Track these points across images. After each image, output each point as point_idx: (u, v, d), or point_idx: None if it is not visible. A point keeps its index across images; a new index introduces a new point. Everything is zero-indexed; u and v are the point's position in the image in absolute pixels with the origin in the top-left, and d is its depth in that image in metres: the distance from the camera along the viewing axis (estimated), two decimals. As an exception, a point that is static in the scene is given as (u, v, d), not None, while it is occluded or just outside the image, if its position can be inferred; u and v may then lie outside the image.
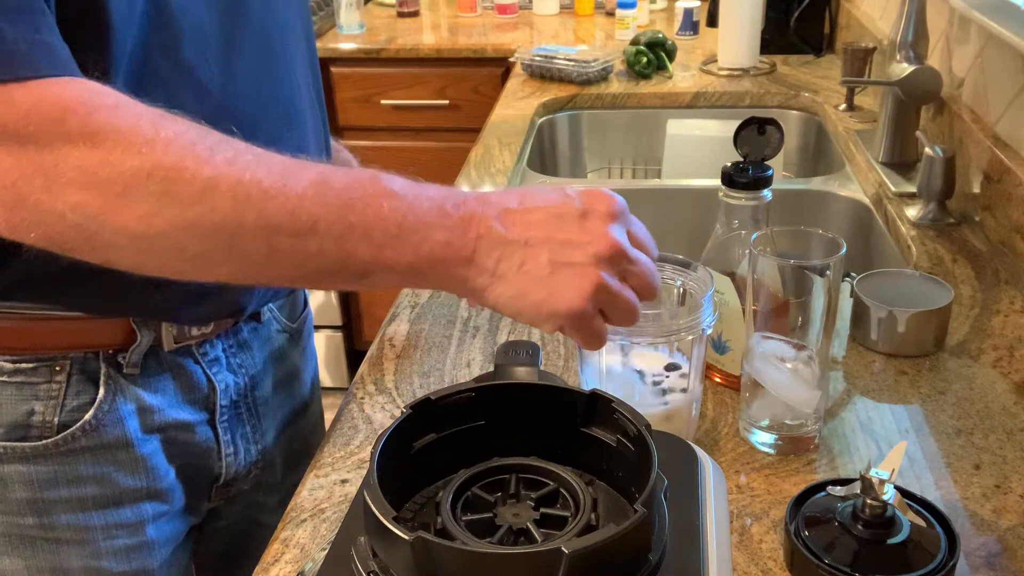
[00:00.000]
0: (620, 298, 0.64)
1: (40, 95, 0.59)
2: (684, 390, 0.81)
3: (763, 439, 0.85)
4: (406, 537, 0.44)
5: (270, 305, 0.95)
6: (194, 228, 0.60)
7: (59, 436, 0.80)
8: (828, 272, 0.78)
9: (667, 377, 0.82)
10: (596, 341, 0.65)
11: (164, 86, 0.73)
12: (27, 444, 0.80)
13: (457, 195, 0.65)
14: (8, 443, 0.79)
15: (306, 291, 1.05)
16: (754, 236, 0.82)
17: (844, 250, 0.78)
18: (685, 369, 0.82)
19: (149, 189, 0.59)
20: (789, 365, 0.82)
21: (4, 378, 0.79)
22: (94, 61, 0.66)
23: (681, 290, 0.84)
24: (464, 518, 0.50)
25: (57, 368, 0.79)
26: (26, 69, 0.59)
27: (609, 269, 0.63)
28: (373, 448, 0.50)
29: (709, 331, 0.80)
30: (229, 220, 0.60)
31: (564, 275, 0.62)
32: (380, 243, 0.62)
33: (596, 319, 0.64)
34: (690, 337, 0.79)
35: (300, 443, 1.04)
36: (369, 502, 0.46)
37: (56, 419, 0.80)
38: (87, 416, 0.80)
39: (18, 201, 0.59)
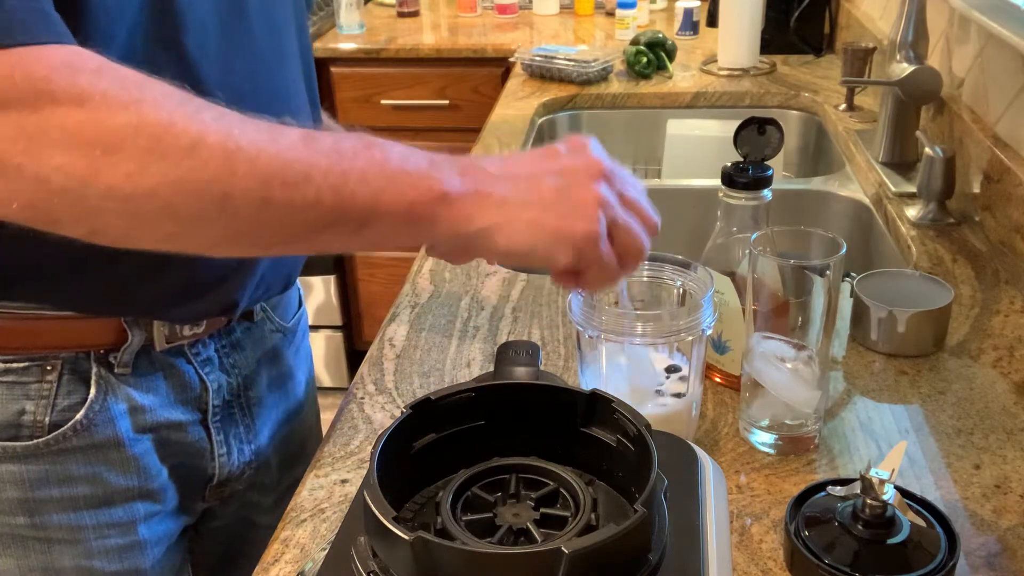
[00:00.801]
0: (624, 217, 0.64)
1: (25, 58, 0.57)
2: (683, 392, 0.81)
3: (763, 439, 0.85)
4: (406, 537, 0.44)
5: (263, 305, 0.95)
6: (184, 184, 0.58)
7: (50, 436, 0.80)
8: (828, 272, 0.78)
9: (667, 379, 0.82)
10: (608, 271, 0.65)
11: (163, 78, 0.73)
12: (18, 444, 0.80)
13: (444, 155, 0.65)
14: None
15: (300, 291, 1.05)
16: (754, 236, 0.82)
17: (844, 250, 0.78)
18: (685, 371, 0.82)
19: (137, 145, 0.57)
20: (789, 365, 0.82)
21: None
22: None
23: (681, 291, 0.84)
24: (464, 518, 0.50)
25: (48, 368, 0.79)
26: (24, 35, 0.58)
27: (608, 190, 0.64)
28: (373, 448, 0.50)
29: (709, 332, 0.80)
30: (220, 174, 0.58)
31: (571, 197, 0.63)
32: (378, 186, 0.61)
33: (607, 246, 0.64)
34: (690, 338, 0.79)
35: (295, 443, 1.04)
36: (369, 502, 0.46)
37: (47, 419, 0.80)
38: (78, 416, 0.80)
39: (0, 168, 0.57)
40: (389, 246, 0.66)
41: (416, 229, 0.63)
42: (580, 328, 0.80)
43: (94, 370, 0.80)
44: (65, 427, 0.80)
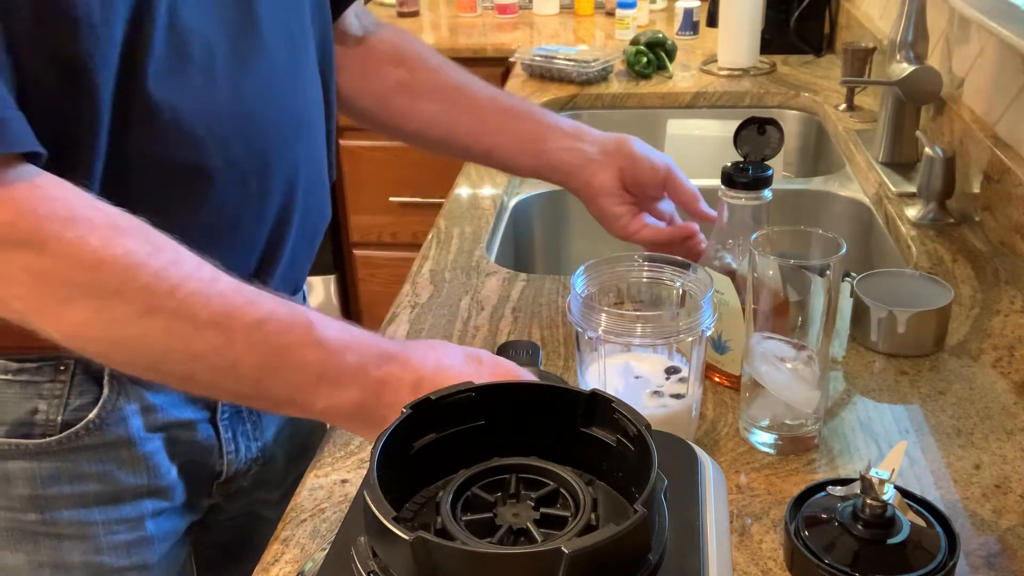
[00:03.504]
0: None
1: None
2: (683, 394, 0.81)
3: (763, 439, 0.85)
4: (406, 537, 0.44)
5: None
6: (124, 344, 0.66)
7: (62, 434, 0.80)
8: (828, 272, 0.78)
9: (667, 380, 0.82)
10: None
11: (173, 109, 0.73)
12: (30, 441, 0.80)
13: (383, 352, 0.69)
14: (11, 440, 0.80)
15: (305, 290, 1.05)
16: (754, 236, 0.82)
17: (844, 250, 0.78)
18: (685, 372, 0.82)
19: (89, 304, 0.64)
20: (789, 365, 0.82)
21: (8, 376, 0.79)
22: (77, 111, 0.68)
23: (680, 291, 0.83)
24: (464, 518, 0.50)
25: (61, 368, 0.79)
26: None
27: None
28: (373, 448, 0.50)
29: (709, 332, 0.80)
30: (157, 345, 0.66)
31: None
32: (296, 387, 0.68)
33: None
34: (690, 339, 0.79)
35: (301, 439, 1.04)
36: (369, 502, 0.46)
37: (59, 417, 0.80)
38: (90, 415, 0.80)
39: None
40: None
41: (327, 422, 0.73)
42: (579, 329, 0.80)
43: (106, 370, 0.81)
44: (77, 426, 0.80)
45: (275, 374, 0.67)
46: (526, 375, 0.74)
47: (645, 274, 0.85)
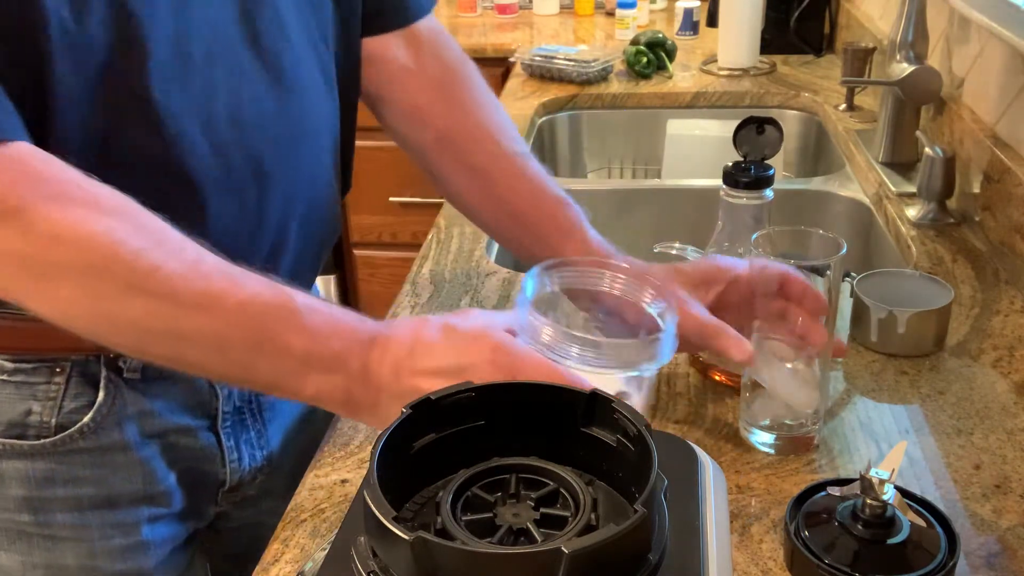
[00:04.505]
0: None
1: None
2: None
3: (763, 439, 0.85)
4: (406, 537, 0.44)
5: None
6: (108, 321, 0.66)
7: (56, 437, 0.80)
8: (828, 272, 0.78)
9: None
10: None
11: (172, 118, 0.73)
12: (24, 443, 0.80)
13: (366, 337, 0.68)
14: (5, 440, 0.80)
15: (317, 292, 1.05)
16: (754, 236, 0.81)
17: (844, 250, 0.78)
18: (636, 399, 0.75)
19: (72, 281, 0.64)
20: (789, 365, 0.82)
21: (4, 377, 0.79)
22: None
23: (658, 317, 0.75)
24: (464, 518, 0.50)
25: (58, 369, 0.79)
26: None
27: None
28: (373, 448, 0.50)
29: (651, 375, 0.74)
30: (141, 323, 0.65)
31: None
32: (282, 372, 0.67)
33: None
34: (627, 374, 0.72)
35: (310, 447, 1.03)
36: (369, 502, 0.46)
37: (53, 420, 0.80)
38: (85, 419, 0.80)
39: None
40: None
41: (319, 406, 0.71)
42: (524, 338, 0.70)
43: (103, 373, 0.80)
44: (71, 429, 0.80)
45: (261, 359, 0.67)
46: (499, 321, 0.69)
47: (617, 289, 0.77)
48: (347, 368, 0.67)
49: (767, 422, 0.85)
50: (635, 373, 0.72)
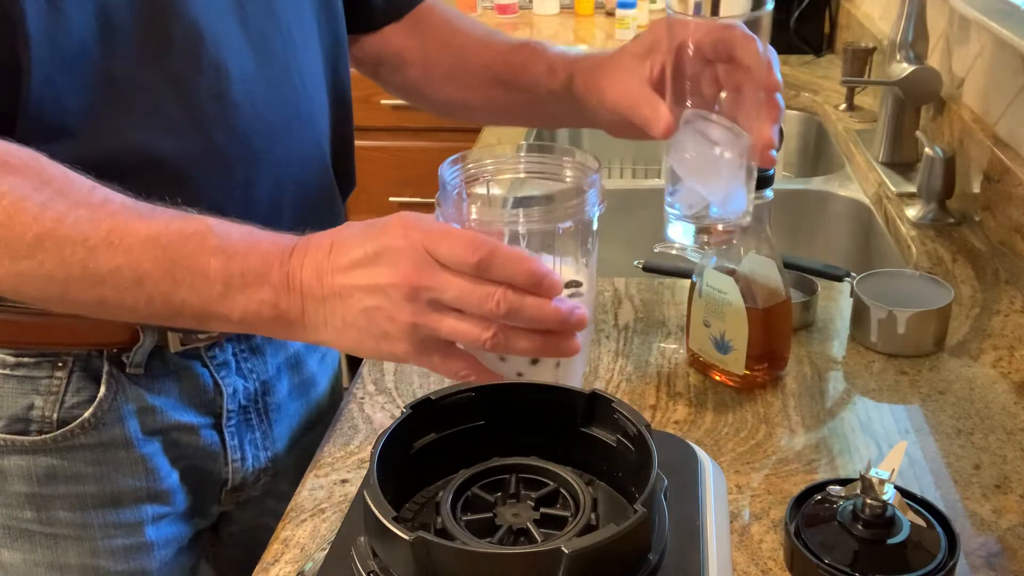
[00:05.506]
0: (442, 327, 0.64)
1: None
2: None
3: (677, 232, 0.78)
4: (406, 537, 0.44)
5: None
6: (26, 277, 0.66)
7: (58, 432, 0.80)
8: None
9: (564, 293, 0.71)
10: (461, 367, 0.66)
11: (149, 95, 0.74)
12: (27, 438, 0.80)
13: (284, 245, 0.67)
14: (7, 436, 0.80)
15: None
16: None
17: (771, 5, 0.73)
18: (584, 287, 0.73)
19: None
20: (718, 151, 0.74)
21: (6, 371, 0.79)
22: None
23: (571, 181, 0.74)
24: (464, 518, 0.50)
25: (59, 364, 0.79)
26: None
27: (415, 304, 0.63)
28: (373, 448, 0.50)
29: (595, 216, 0.71)
30: (57, 273, 0.65)
31: (377, 321, 0.64)
32: (206, 298, 0.66)
33: (441, 348, 0.66)
34: (568, 224, 0.69)
35: (313, 451, 1.03)
36: (369, 502, 0.46)
37: (55, 415, 0.80)
38: (86, 414, 0.80)
39: None
40: None
41: (257, 332, 0.70)
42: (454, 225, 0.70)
43: (105, 368, 0.80)
44: (73, 424, 0.80)
45: (181, 287, 0.66)
46: (413, 224, 0.67)
47: (522, 167, 0.76)
48: (269, 280, 0.65)
49: (685, 210, 0.77)
50: (567, 224, 0.69)
